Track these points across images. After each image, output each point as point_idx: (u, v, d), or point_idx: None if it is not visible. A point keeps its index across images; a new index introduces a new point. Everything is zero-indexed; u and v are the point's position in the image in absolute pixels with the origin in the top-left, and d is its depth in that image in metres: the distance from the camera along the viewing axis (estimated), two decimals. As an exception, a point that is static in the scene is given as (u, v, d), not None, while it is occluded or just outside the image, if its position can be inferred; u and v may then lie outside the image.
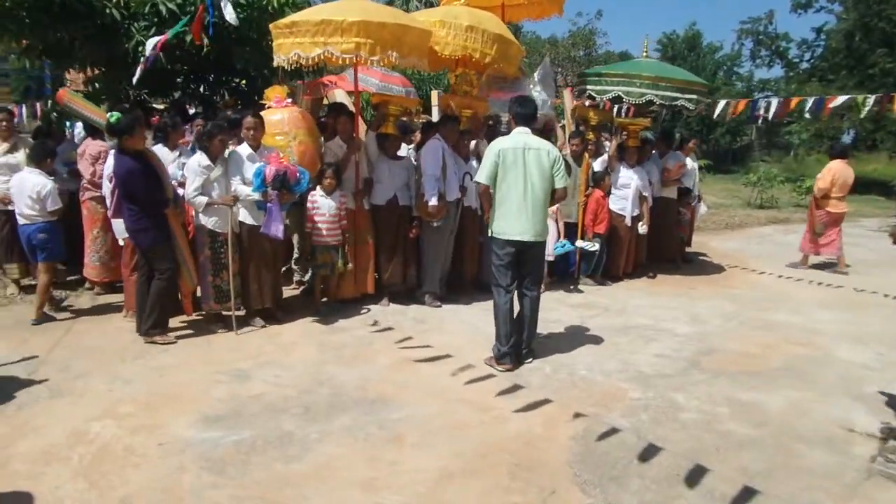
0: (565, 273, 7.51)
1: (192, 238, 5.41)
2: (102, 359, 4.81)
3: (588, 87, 7.62)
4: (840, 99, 7.95)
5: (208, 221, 5.30)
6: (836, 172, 8.68)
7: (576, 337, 5.61)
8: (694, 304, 6.86)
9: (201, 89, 8.79)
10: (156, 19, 6.86)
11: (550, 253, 7.05)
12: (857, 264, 9.50)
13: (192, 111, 8.31)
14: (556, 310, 6.42)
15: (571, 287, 7.24)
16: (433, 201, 5.96)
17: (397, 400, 4.22)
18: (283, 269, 7.02)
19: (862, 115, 8.34)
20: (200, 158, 5.24)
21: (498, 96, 6.86)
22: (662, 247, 8.29)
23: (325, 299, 6.23)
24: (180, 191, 5.34)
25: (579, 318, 6.18)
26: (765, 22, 28.52)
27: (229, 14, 6.24)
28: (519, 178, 4.65)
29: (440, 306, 6.31)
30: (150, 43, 6.31)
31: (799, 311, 6.75)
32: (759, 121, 12.84)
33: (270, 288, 5.61)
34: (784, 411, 4.24)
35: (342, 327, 5.70)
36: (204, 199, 5.20)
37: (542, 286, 6.94)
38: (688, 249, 9.37)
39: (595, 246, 7.25)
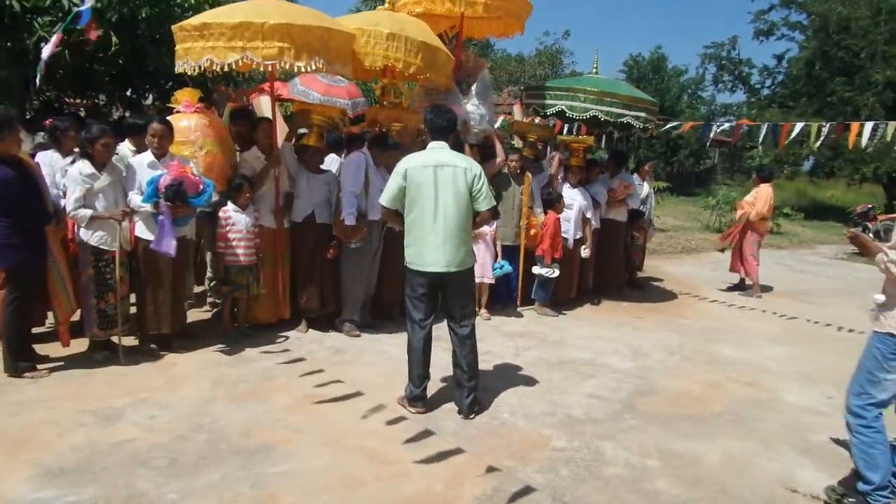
0: (507, 298, 7.04)
1: (74, 256, 4.80)
2: (-48, 394, 4.16)
3: (532, 101, 7.24)
4: (797, 127, 7.67)
5: (92, 237, 4.68)
6: (771, 196, 8.69)
7: (505, 373, 5.12)
8: (638, 335, 6.42)
9: (128, 92, 8.17)
10: (59, 14, 6.25)
11: (489, 275, 6.60)
12: (813, 293, 9.26)
13: (118, 115, 7.72)
14: (490, 339, 5.92)
15: (512, 313, 6.78)
16: (349, 220, 5.44)
17: (284, 449, 3.66)
18: (198, 289, 6.45)
19: (817, 144, 8.12)
20: (82, 166, 4.64)
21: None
22: (609, 272, 7.88)
23: (241, 324, 5.64)
24: (63, 203, 4.74)
25: (514, 350, 5.69)
26: (728, 47, 28.68)
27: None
28: (429, 200, 4.06)
29: (359, 335, 5.77)
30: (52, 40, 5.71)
31: (747, 344, 6.37)
32: (708, 144, 12.61)
33: (168, 311, 5.01)
34: (721, 466, 3.78)
35: (247, 357, 5.12)
36: (87, 213, 4.60)
37: (484, 312, 6.59)
38: (640, 274, 9.00)
39: (555, 272, 6.80)
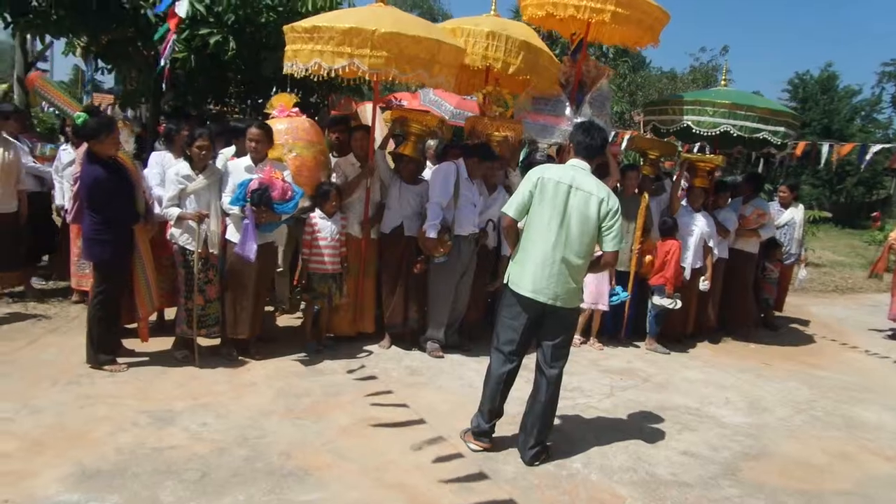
0: (613, 329, 6.42)
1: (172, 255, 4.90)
2: (33, 378, 4.33)
3: (652, 118, 6.60)
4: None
5: (179, 236, 4.75)
6: None
7: (589, 414, 4.57)
8: (760, 384, 5.58)
9: (249, 98, 8.45)
10: (188, 21, 6.50)
11: (604, 303, 6.05)
12: None
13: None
14: (583, 374, 5.38)
15: (617, 345, 6.18)
16: (431, 232, 5.14)
17: (319, 476, 3.40)
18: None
19: None
20: (180, 167, 4.73)
21: (535, 119, 5.94)
22: (736, 308, 6.99)
23: (330, 335, 5.53)
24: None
25: (607, 389, 5.11)
26: (912, 65, 25.64)
27: (182, 7, 5.74)
28: (554, 220, 3.58)
29: (442, 357, 5.44)
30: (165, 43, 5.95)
31: (897, 408, 5.33)
32: (863, 166, 11.03)
33: (248, 316, 4.96)
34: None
35: (320, 370, 4.96)
36: (176, 211, 4.66)
37: (595, 343, 6.02)
38: (778, 314, 7.96)
39: (678, 304, 6.14)
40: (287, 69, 4.94)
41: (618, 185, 6.25)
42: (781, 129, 5.96)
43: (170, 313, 5.42)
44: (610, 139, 7.41)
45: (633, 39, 6.53)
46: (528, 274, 3.64)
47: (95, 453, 3.44)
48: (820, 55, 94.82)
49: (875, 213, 9.08)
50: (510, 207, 3.73)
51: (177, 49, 6.43)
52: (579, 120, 6.13)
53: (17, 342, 5.01)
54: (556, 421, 4.29)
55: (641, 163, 6.92)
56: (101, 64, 7.52)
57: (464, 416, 4.23)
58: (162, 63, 6.05)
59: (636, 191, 6.37)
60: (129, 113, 9.43)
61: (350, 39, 4.57)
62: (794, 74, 33.09)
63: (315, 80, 5.17)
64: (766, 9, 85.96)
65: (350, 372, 4.97)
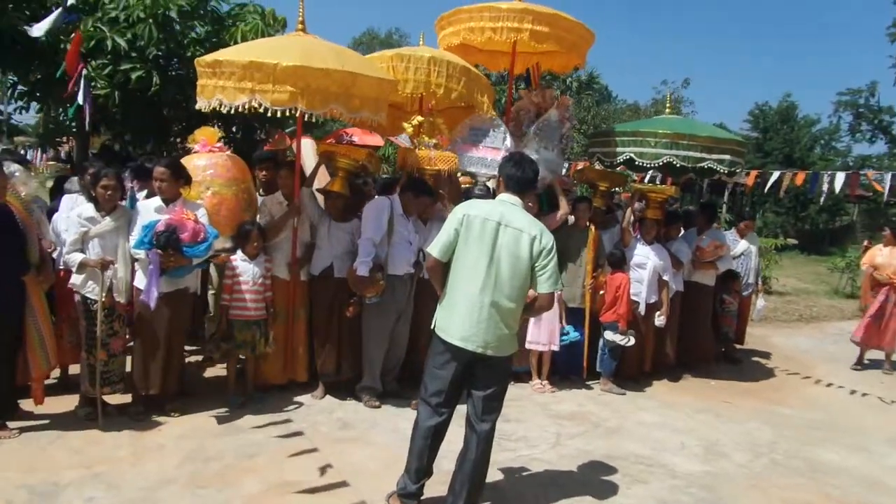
0: (572, 370, 6.06)
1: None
2: None
3: (597, 149, 6.38)
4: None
5: (82, 286, 4.32)
6: None
7: (531, 468, 4.18)
8: (719, 425, 5.25)
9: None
10: (109, 55, 6.15)
11: (555, 343, 5.71)
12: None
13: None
14: (530, 420, 5.01)
15: (570, 387, 5.84)
16: (362, 270, 4.77)
17: (210, 560, 2.97)
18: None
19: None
20: (83, 209, 4.34)
21: (471, 151, 5.66)
22: (695, 343, 6.70)
23: (249, 386, 5.08)
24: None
25: (553, 437, 4.74)
26: (866, 94, 26.22)
27: (37, 29, 5.44)
28: (481, 261, 3.27)
29: (378, 406, 5.03)
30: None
31: (862, 447, 5.03)
32: (822, 198, 11.00)
33: (159, 370, 4.52)
34: None
35: (239, 427, 4.52)
36: (77, 258, 4.24)
37: (546, 384, 5.66)
38: (739, 347, 7.70)
39: (631, 340, 5.82)
40: (199, 105, 4.62)
41: (568, 218, 5.99)
42: (727, 157, 5.77)
43: (75, 369, 4.95)
44: (563, 171, 7.18)
45: (559, 63, 6.41)
46: (456, 319, 3.31)
47: (-50, 542, 2.98)
48: (779, 85, 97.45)
49: (866, 243, 9.11)
50: (434, 247, 3.40)
51: (97, 85, 6.09)
52: (528, 151, 5.88)
53: None
54: (496, 476, 3.96)
55: (591, 195, 6.67)
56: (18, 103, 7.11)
57: (393, 476, 3.82)
58: (79, 101, 5.67)
59: (587, 224, 6.10)
60: (52, 152, 9.03)
61: (251, 74, 4.31)
62: (755, 105, 33.70)
63: (252, 114, 4.84)
64: (726, 42, 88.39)
65: (273, 426, 4.54)
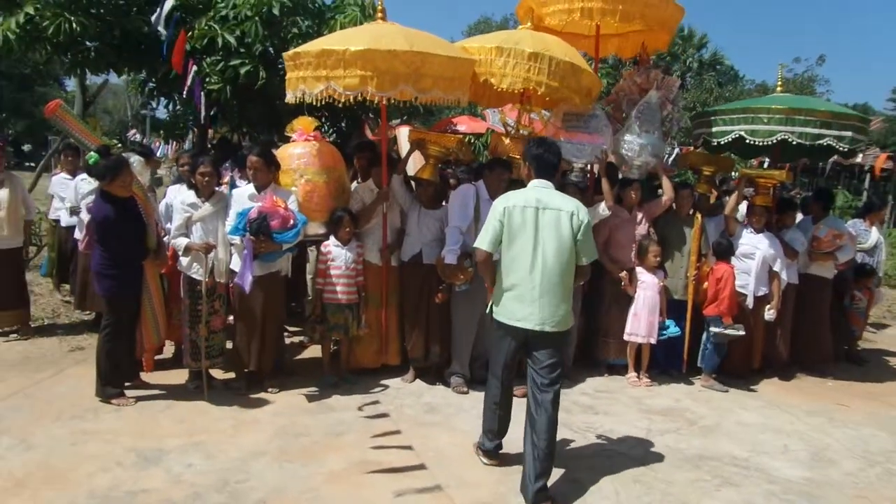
0: (670, 367, 5.82)
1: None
2: (40, 413, 4.31)
3: (701, 130, 6.04)
4: None
5: (187, 267, 4.66)
6: None
7: (616, 463, 4.05)
8: (830, 429, 4.85)
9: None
10: (221, 52, 6.53)
11: (654, 336, 5.52)
12: None
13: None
14: (621, 415, 4.86)
15: (668, 381, 5.62)
16: (449, 258, 4.80)
17: (287, 530, 3.12)
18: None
19: None
20: (185, 195, 4.67)
21: (568, 137, 5.50)
22: (812, 341, 6.19)
23: (342, 368, 5.28)
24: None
25: (644, 432, 4.57)
26: None
27: (161, 25, 5.78)
28: (527, 246, 3.51)
29: (467, 392, 5.07)
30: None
31: None
32: None
33: (257, 348, 4.79)
34: None
35: (330, 406, 4.71)
36: (183, 242, 4.59)
37: (645, 378, 5.51)
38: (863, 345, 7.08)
39: (741, 331, 5.53)
40: (288, 98, 4.81)
41: (672, 205, 5.73)
42: (848, 133, 5.24)
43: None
44: (667, 155, 6.83)
45: (640, 42, 6.04)
46: (513, 302, 3.57)
47: (65, 498, 3.31)
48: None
49: None
50: (482, 241, 3.64)
51: (211, 80, 6.49)
52: (628, 137, 5.67)
53: (43, 373, 5.05)
54: (576, 468, 3.91)
55: (696, 181, 6.33)
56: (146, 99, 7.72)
57: (472, 462, 3.97)
58: (192, 96, 6.08)
59: (691, 211, 5.81)
60: (177, 145, 9.72)
61: (324, 62, 4.40)
62: (901, 83, 30.61)
63: (356, 104, 4.96)
64: (865, 14, 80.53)
65: (361, 409, 4.68)
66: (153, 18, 5.99)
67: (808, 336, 6.19)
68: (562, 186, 5.44)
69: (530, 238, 3.50)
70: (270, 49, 6.56)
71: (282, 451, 3.95)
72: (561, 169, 5.73)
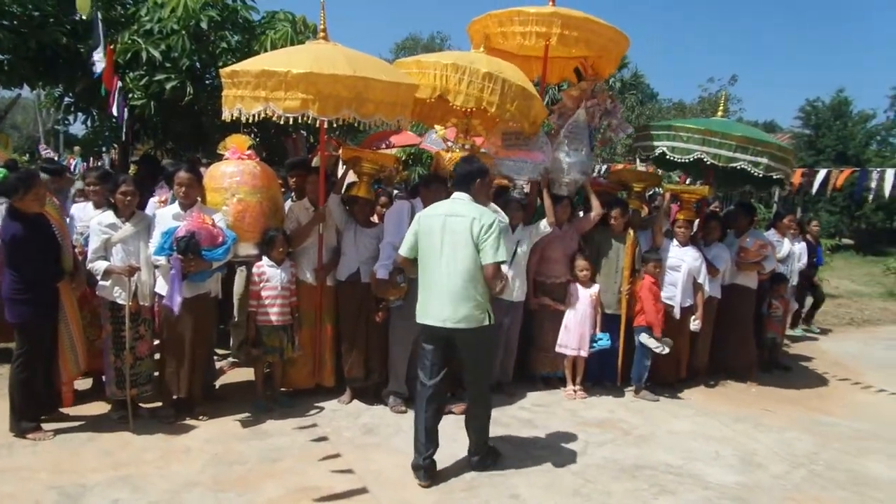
0: (604, 378, 5.93)
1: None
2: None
3: (639, 143, 6.25)
4: None
5: (109, 291, 4.43)
6: None
7: (553, 477, 4.09)
8: (757, 435, 5.05)
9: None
10: (145, 66, 6.31)
11: (585, 348, 5.60)
12: None
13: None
14: (558, 428, 4.91)
15: (603, 393, 5.72)
16: (381, 272, 4.79)
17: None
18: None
19: None
20: (103, 216, 4.45)
21: (507, 155, 5.59)
22: (736, 349, 6.45)
23: (276, 391, 5.14)
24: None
25: (582, 445, 4.63)
26: (926, 86, 24.99)
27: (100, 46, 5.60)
28: (436, 250, 3.86)
29: (405, 411, 5.00)
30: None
31: (912, 459, 4.77)
32: (871, 197, 10.55)
33: (186, 374, 4.60)
34: None
35: (265, 431, 4.56)
36: (103, 265, 4.36)
37: (579, 390, 5.57)
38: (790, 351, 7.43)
39: (665, 349, 5.69)
40: (224, 116, 4.69)
41: (612, 221, 5.85)
42: (763, 160, 5.52)
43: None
44: (593, 172, 7.00)
45: (593, 67, 6.24)
46: (427, 302, 3.87)
47: (-23, 541, 3.07)
48: (832, 81, 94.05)
49: None
50: (402, 248, 4.05)
51: (134, 96, 6.26)
52: (559, 154, 5.79)
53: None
54: (518, 484, 3.91)
55: (627, 196, 6.53)
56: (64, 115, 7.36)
57: (412, 484, 3.88)
58: (114, 112, 5.84)
59: (624, 228, 5.93)
60: (93, 162, 9.30)
61: (264, 82, 4.32)
62: (806, 101, 32.54)
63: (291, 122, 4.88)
64: (774, 37, 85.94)
65: (298, 431, 4.57)
66: (91, 44, 5.76)
67: (734, 344, 6.44)
68: (504, 202, 5.58)
69: (437, 242, 3.82)
70: (198, 64, 6.41)
71: (215, 481, 3.79)
72: (495, 184, 5.83)
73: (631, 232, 5.88)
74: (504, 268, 5.32)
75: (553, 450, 4.50)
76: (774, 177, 5.78)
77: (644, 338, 5.70)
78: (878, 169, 7.34)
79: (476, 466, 4.04)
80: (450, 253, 3.79)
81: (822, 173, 6.68)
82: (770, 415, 5.55)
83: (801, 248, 8.07)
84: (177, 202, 4.65)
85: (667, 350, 5.69)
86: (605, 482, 4.04)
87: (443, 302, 3.79)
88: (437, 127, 6.71)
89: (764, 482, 4.21)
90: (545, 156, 5.68)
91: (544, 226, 5.51)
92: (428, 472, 3.88)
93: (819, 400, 6.13)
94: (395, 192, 6.52)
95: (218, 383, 5.37)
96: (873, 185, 6.69)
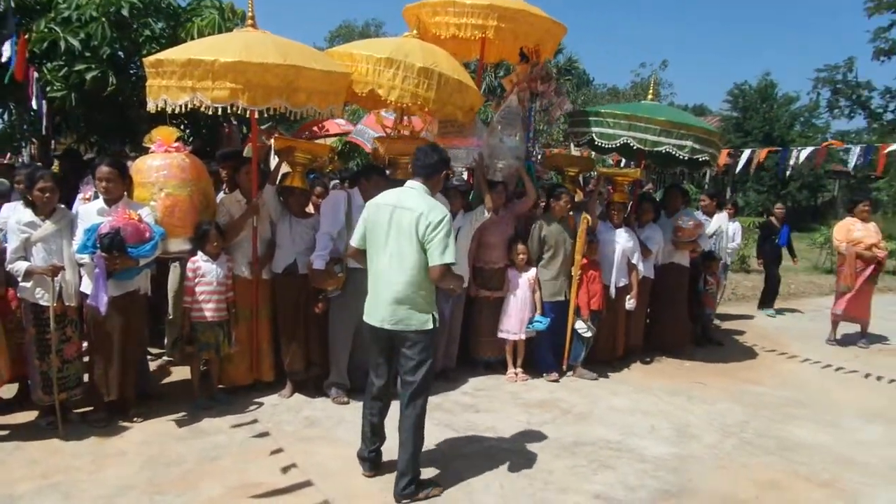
0: (547, 362, 5.92)
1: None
2: None
3: (572, 129, 6.34)
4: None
5: (31, 293, 4.24)
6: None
7: (497, 456, 4.15)
8: (691, 407, 5.25)
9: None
10: (64, 56, 6.01)
11: (521, 331, 5.67)
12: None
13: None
14: (501, 410, 4.98)
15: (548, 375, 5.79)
16: (317, 263, 4.75)
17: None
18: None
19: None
20: (21, 214, 4.23)
21: (441, 143, 5.58)
22: (671, 325, 6.68)
23: (224, 386, 5.03)
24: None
25: (524, 425, 4.72)
26: (843, 70, 26.25)
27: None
28: (381, 245, 3.58)
29: (347, 402, 4.98)
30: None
31: (833, 422, 5.05)
32: (788, 173, 11.07)
33: (116, 375, 4.44)
34: None
35: (203, 430, 4.46)
36: (22, 266, 4.15)
37: (520, 373, 5.60)
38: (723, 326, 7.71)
39: (589, 332, 5.80)
40: (149, 106, 4.53)
41: (555, 207, 5.87)
42: (688, 143, 5.68)
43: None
44: (527, 157, 7.03)
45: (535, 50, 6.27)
46: (370, 300, 3.65)
47: None
48: (759, 64, 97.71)
49: None
50: (352, 238, 3.79)
51: (54, 87, 5.97)
52: (494, 140, 5.83)
53: None
54: (463, 467, 3.94)
55: (561, 180, 6.62)
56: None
57: (356, 474, 3.87)
58: (33, 105, 5.57)
59: (567, 214, 5.97)
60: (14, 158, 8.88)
61: (191, 72, 4.19)
62: (734, 85, 33.74)
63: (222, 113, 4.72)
64: (704, 22, 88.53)
65: (237, 428, 4.48)
66: (5, 33, 5.43)
67: (669, 321, 6.67)
68: (444, 190, 5.57)
69: (382, 236, 3.55)
70: (120, 53, 6.16)
71: (152, 483, 3.69)
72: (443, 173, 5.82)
73: (586, 217, 5.81)
74: (463, 263, 5.38)
75: (495, 432, 4.56)
76: (700, 159, 5.96)
77: (578, 323, 5.80)
78: (799, 148, 7.67)
79: (398, 494, 3.54)
80: (394, 249, 3.50)
81: (746, 153, 6.94)
82: (703, 387, 5.77)
83: (734, 227, 8.38)
84: (101, 198, 4.47)
85: (589, 334, 5.80)
86: (546, 460, 4.12)
87: (383, 301, 3.53)
88: (377, 113, 6.62)
89: (697, 452, 4.38)
90: (480, 142, 5.71)
91: (483, 212, 5.55)
92: (373, 464, 3.83)
93: (749, 371, 6.40)
94: (334, 181, 6.42)
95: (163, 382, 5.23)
96: (791, 162, 7.00)
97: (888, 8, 22.68)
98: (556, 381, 5.72)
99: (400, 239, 3.48)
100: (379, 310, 3.55)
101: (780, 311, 9.53)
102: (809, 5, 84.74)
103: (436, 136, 5.69)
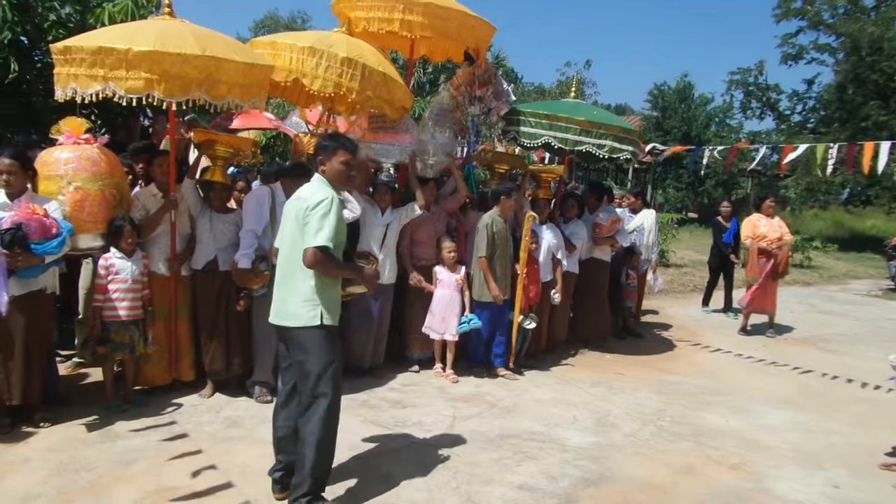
0: (481, 361, 5.86)
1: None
2: None
3: (506, 128, 6.41)
4: (801, 148, 6.68)
5: (-76, 292, 3.95)
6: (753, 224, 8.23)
7: (422, 452, 4.16)
8: (611, 397, 5.40)
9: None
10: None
11: (450, 333, 5.66)
12: (836, 340, 8.10)
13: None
14: (427, 406, 4.99)
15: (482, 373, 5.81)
16: (243, 262, 4.62)
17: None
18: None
19: (828, 169, 7.16)
20: (-82, 209, 3.95)
21: (375, 139, 5.54)
22: (593, 319, 6.86)
23: (129, 390, 4.82)
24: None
25: (449, 420, 4.74)
26: (755, 73, 27.52)
27: None
28: (282, 239, 3.50)
29: (271, 401, 4.85)
30: None
31: (743, 408, 5.31)
32: (702, 171, 11.60)
33: (19, 379, 4.18)
34: None
35: (116, 433, 4.26)
36: (-84, 264, 3.86)
37: (449, 373, 5.59)
38: (635, 320, 7.96)
39: (533, 323, 5.87)
40: (56, 95, 4.29)
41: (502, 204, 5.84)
42: (607, 142, 5.84)
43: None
44: (457, 153, 7.05)
45: (456, 51, 6.33)
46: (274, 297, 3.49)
47: None
48: (678, 66, 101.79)
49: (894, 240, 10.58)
50: (276, 238, 3.64)
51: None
52: (425, 136, 5.81)
53: None
54: (388, 463, 3.92)
55: (490, 177, 6.67)
56: None
57: None
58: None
59: (510, 214, 5.94)
60: None
61: (102, 60, 3.99)
62: (654, 85, 34.95)
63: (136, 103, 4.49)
64: (627, 23, 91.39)
65: (154, 430, 4.31)
66: None
67: (592, 315, 6.84)
68: (373, 185, 5.52)
69: (285, 230, 3.45)
70: (23, 38, 5.81)
71: (60, 492, 3.50)
72: (370, 168, 5.77)
73: (530, 216, 5.74)
74: (376, 252, 5.33)
75: (422, 427, 4.56)
76: (621, 157, 6.14)
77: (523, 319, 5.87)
78: (710, 148, 8.05)
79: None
80: (288, 240, 3.39)
81: (666, 151, 7.24)
82: (623, 378, 5.95)
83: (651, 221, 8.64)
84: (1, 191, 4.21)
85: (532, 325, 5.90)
86: (471, 453, 4.16)
87: (277, 297, 3.40)
88: (301, 109, 6.51)
89: (617, 441, 4.51)
90: (411, 138, 5.69)
91: (415, 208, 5.53)
92: (283, 486, 3.48)
93: (666, 361, 6.65)
94: (258, 175, 6.27)
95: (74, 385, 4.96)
96: (705, 160, 7.34)
97: (795, 15, 23.91)
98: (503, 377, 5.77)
99: (294, 230, 3.33)
100: (275, 304, 3.42)
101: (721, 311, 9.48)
102: (725, 10, 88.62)
103: (365, 131, 5.63)
